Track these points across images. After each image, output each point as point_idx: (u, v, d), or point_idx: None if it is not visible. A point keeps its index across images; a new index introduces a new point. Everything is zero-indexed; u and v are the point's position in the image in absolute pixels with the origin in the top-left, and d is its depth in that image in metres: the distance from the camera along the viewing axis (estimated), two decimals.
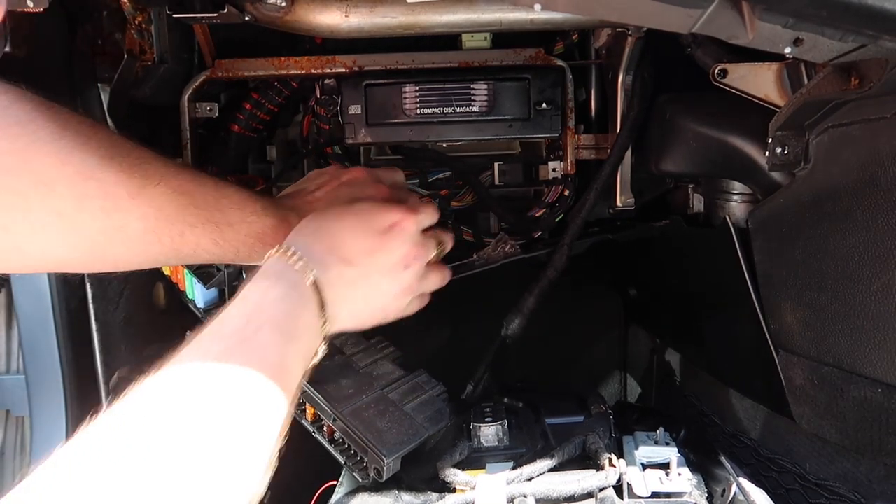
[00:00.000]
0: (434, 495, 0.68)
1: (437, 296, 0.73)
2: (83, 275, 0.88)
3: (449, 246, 0.76)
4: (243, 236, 0.67)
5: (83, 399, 0.90)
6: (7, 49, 0.69)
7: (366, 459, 0.70)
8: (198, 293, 0.83)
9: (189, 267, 0.82)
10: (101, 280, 0.88)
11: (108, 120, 0.84)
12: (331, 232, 0.64)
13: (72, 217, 0.58)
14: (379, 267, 0.65)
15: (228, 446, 0.45)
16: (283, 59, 0.90)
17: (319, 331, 0.58)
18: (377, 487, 0.70)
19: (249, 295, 0.55)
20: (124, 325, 0.90)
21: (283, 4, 0.78)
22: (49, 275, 0.87)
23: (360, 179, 0.76)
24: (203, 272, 0.82)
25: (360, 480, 0.71)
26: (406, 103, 0.90)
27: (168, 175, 0.64)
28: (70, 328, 0.90)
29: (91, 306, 0.88)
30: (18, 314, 0.92)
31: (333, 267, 0.61)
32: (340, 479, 0.73)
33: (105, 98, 0.84)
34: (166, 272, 0.87)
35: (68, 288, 0.88)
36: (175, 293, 0.89)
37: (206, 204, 0.65)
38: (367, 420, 0.71)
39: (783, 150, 0.65)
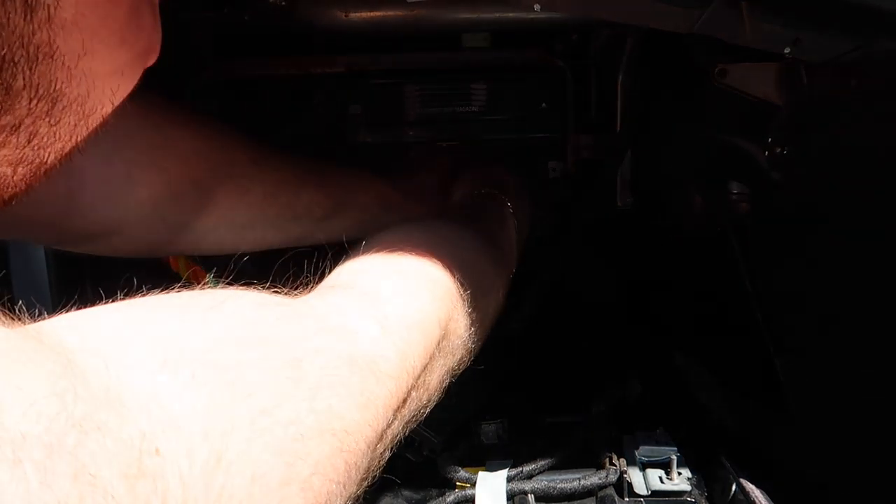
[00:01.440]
0: (434, 491, 0.68)
1: None
2: (82, 272, 0.88)
3: None
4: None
5: None
6: None
7: (417, 440, 0.71)
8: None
9: (209, 270, 0.84)
10: (99, 278, 0.88)
11: None
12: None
13: (261, 217, 0.70)
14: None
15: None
16: (283, 58, 0.90)
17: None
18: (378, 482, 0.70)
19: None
20: None
21: (283, 4, 0.78)
22: (49, 271, 0.88)
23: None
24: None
25: (413, 460, 0.72)
26: (406, 103, 0.90)
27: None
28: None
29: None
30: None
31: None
32: None
33: None
34: (183, 275, 0.87)
35: (68, 285, 0.89)
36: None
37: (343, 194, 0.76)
38: None
39: (783, 150, 0.65)
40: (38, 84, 0.30)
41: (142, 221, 0.63)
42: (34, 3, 0.28)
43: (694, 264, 0.88)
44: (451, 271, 0.49)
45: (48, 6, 0.28)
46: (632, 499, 0.64)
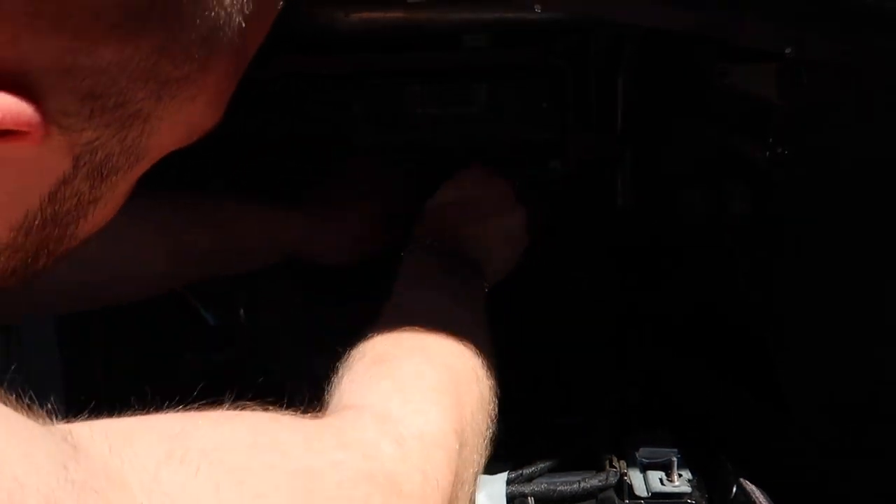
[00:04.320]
0: None
1: None
2: None
3: None
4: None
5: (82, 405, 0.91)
6: None
7: None
8: (210, 314, 0.88)
9: (193, 293, 0.85)
10: None
11: None
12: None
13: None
14: None
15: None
16: (282, 58, 0.89)
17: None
18: None
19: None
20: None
21: (281, 4, 0.77)
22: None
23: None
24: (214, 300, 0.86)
25: None
26: (406, 103, 0.90)
27: None
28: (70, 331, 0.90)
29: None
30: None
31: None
32: None
33: None
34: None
35: None
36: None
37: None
38: None
39: (783, 150, 0.65)
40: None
41: None
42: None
43: (694, 264, 0.87)
44: (455, 380, 0.50)
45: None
46: (632, 501, 0.63)
